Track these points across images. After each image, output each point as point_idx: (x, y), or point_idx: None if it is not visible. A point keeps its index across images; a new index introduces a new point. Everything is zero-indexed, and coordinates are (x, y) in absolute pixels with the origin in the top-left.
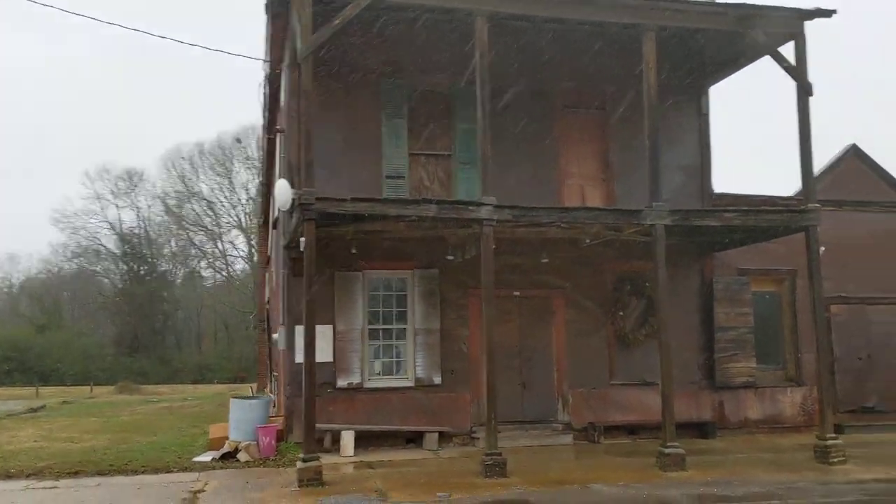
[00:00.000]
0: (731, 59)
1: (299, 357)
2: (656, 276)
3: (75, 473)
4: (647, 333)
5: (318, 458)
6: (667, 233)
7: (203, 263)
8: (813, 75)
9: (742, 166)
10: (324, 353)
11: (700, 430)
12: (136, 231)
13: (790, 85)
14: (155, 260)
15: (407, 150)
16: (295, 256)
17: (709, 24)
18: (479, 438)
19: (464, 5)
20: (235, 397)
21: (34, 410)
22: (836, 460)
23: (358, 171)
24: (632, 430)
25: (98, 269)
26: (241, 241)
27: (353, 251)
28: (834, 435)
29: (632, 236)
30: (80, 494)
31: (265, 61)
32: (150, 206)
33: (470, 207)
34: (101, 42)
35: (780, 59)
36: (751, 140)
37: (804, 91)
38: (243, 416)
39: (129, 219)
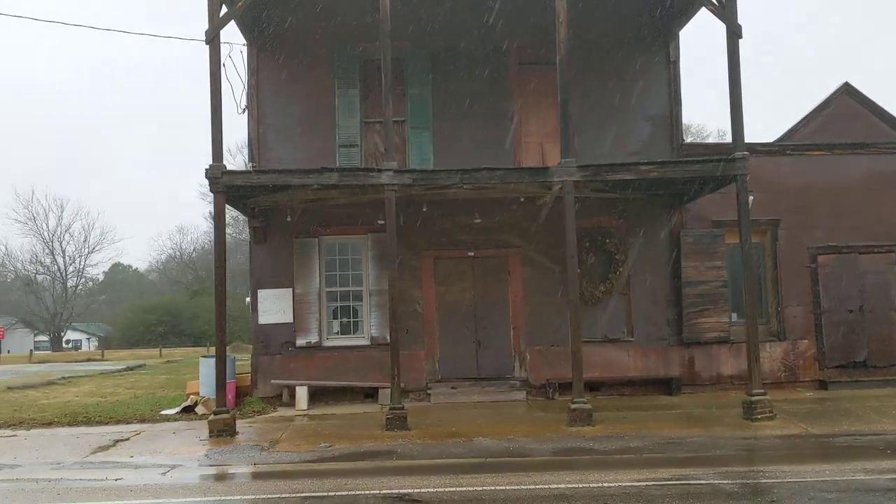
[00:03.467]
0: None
1: (262, 318)
2: (565, 233)
3: (49, 424)
4: (606, 290)
5: (227, 412)
6: (630, 186)
7: None
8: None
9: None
10: (284, 315)
11: (667, 386)
12: None
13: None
14: None
15: (360, 118)
16: (255, 225)
17: None
18: (432, 393)
19: None
20: (205, 356)
21: (130, 369)
22: (760, 417)
23: (314, 142)
24: (594, 386)
25: (245, 237)
26: None
27: (288, 219)
28: (761, 391)
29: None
30: (25, 441)
31: (226, 43)
32: None
33: (371, 174)
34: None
35: (705, 1)
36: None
37: (733, 34)
38: (209, 372)
39: None
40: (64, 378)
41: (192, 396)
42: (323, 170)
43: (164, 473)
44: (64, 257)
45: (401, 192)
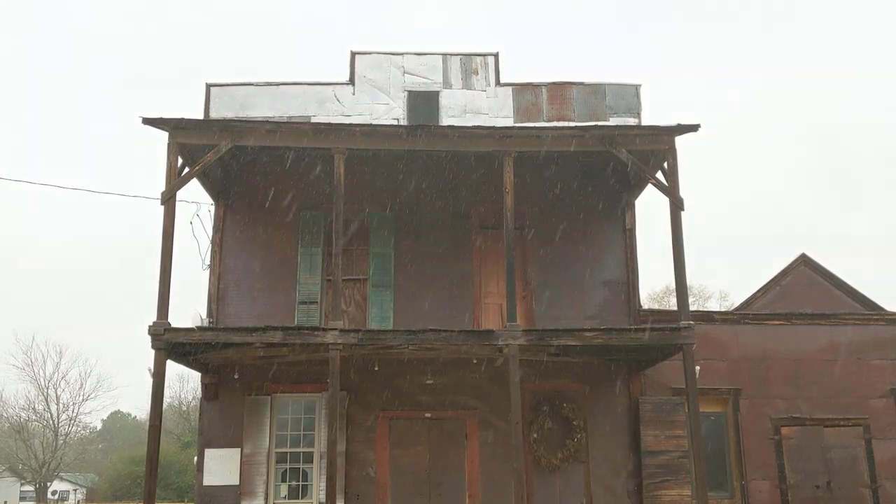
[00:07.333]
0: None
1: (207, 480)
2: (510, 397)
3: None
4: (565, 457)
5: None
6: (584, 352)
7: None
8: None
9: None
10: (230, 476)
11: None
12: None
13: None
14: None
15: (321, 276)
16: (206, 382)
17: (569, 146)
18: None
19: (321, 144)
20: None
21: None
22: None
23: (274, 298)
24: None
25: None
26: None
27: (236, 376)
28: None
29: (537, 356)
30: None
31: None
32: None
33: (315, 333)
34: None
35: (643, 172)
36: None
37: (676, 206)
38: None
39: None
40: None
41: None
42: (266, 328)
43: None
44: (58, 404)
45: (347, 352)
